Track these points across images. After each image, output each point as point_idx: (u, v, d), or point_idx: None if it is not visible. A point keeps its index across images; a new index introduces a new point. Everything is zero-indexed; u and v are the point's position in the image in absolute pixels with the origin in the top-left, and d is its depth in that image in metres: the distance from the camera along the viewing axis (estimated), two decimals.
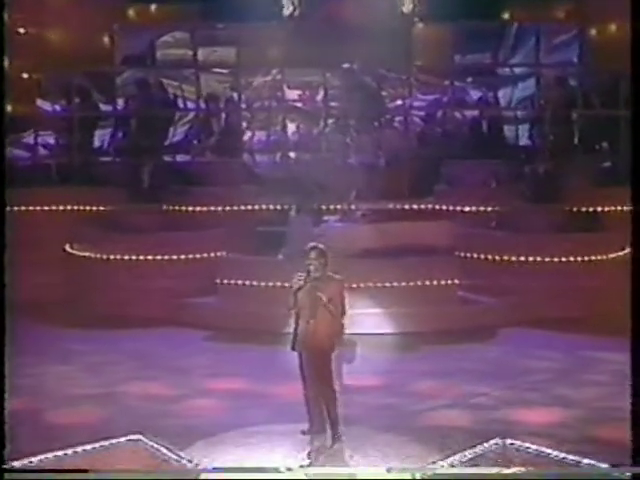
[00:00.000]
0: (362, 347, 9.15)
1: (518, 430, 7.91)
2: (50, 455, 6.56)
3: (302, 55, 14.55)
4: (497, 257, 12.65)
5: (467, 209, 13.41)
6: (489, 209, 13.37)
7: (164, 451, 6.65)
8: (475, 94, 15.80)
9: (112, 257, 12.80)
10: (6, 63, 11.98)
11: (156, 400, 9.14)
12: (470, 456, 6.55)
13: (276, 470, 6.33)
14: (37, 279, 12.73)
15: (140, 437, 6.82)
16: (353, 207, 12.77)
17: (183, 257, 12.79)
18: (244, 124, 15.50)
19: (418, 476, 6.07)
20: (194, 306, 12.34)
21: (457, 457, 6.59)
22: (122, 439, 6.83)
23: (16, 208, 12.63)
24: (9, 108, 13.24)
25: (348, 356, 8.56)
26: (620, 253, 12.28)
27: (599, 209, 13.27)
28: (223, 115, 15.34)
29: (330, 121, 14.46)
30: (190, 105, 15.47)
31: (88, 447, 6.71)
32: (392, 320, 11.62)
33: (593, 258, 12.59)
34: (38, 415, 8.60)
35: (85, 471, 6.13)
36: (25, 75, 14.87)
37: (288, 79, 15.28)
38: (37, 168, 14.43)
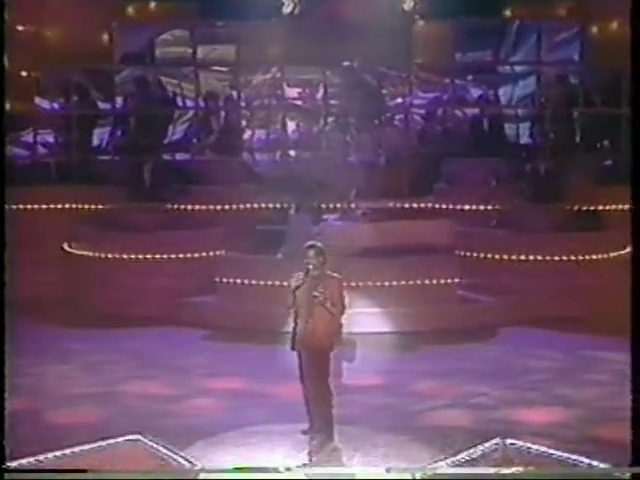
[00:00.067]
0: (362, 346, 9.13)
1: (518, 430, 7.89)
2: (50, 455, 6.53)
3: (302, 53, 14.52)
4: (497, 256, 12.63)
5: (467, 208, 13.39)
6: (489, 208, 13.35)
7: (164, 451, 6.62)
8: (476, 92, 15.77)
9: (111, 256, 12.78)
10: (5, 61, 11.95)
11: (155, 400, 9.12)
12: (470, 456, 6.52)
13: (276, 470, 6.31)
14: (36, 278, 12.71)
15: (139, 437, 6.79)
16: (353, 206, 12.75)
17: (182, 256, 12.77)
18: (244, 122, 15.47)
19: (418, 476, 6.04)
20: (193, 305, 12.32)
21: (457, 457, 6.56)
22: (121, 439, 6.80)
23: (14, 206, 12.60)
24: (7, 106, 13.20)
25: (348, 356, 8.55)
26: (621, 252, 12.24)
27: (600, 208, 13.24)
28: (223, 113, 15.32)
29: (330, 119, 14.44)
30: (189, 103, 15.44)
31: (87, 447, 6.69)
32: (392, 319, 11.60)
33: (594, 257, 12.57)
34: (38, 415, 8.58)
35: (84, 471, 6.11)
36: (24, 73, 14.84)
37: (288, 77, 15.25)
38: (36, 166, 14.41)
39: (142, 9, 16.25)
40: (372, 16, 13.70)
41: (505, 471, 6.19)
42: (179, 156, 15.07)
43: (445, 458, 6.65)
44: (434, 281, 11.91)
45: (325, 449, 7.37)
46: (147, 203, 13.37)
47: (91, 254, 12.96)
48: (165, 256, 12.72)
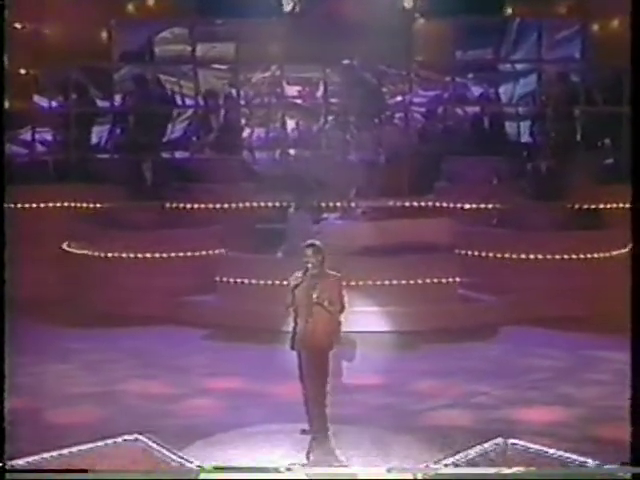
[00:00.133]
0: (362, 346, 9.13)
1: (519, 429, 7.89)
2: (50, 455, 6.51)
3: (302, 51, 14.48)
4: (498, 255, 12.61)
5: (468, 206, 13.37)
6: (490, 206, 13.34)
7: (163, 451, 6.60)
8: (476, 90, 15.73)
9: (110, 255, 12.75)
10: (4, 59, 11.90)
11: (155, 399, 9.10)
12: (471, 456, 6.50)
13: (276, 470, 6.30)
14: (35, 276, 12.66)
15: (139, 437, 6.77)
16: (353, 204, 12.73)
17: (182, 255, 12.74)
18: (243, 121, 15.44)
19: (419, 476, 6.03)
20: (193, 304, 12.29)
21: (458, 457, 6.54)
22: (121, 439, 6.78)
23: (13, 205, 12.56)
24: (6, 104, 13.17)
25: (348, 355, 8.53)
26: (622, 251, 12.21)
27: (601, 206, 13.23)
28: (222, 112, 15.29)
29: (330, 118, 14.42)
30: (189, 101, 15.40)
31: (87, 447, 6.67)
32: (392, 318, 11.57)
33: (595, 256, 12.55)
34: (38, 414, 8.57)
35: (84, 471, 6.11)
36: (22, 71, 14.81)
37: (288, 75, 15.21)
38: (34, 165, 14.37)
39: (141, 7, 16.21)
40: (372, 14, 13.68)
41: (506, 471, 6.17)
42: (178, 154, 15.04)
43: (446, 458, 6.64)
44: (434, 280, 11.89)
45: (325, 449, 7.34)
46: (146, 202, 13.35)
47: (90, 253, 12.93)
48: (165, 255, 12.70)
